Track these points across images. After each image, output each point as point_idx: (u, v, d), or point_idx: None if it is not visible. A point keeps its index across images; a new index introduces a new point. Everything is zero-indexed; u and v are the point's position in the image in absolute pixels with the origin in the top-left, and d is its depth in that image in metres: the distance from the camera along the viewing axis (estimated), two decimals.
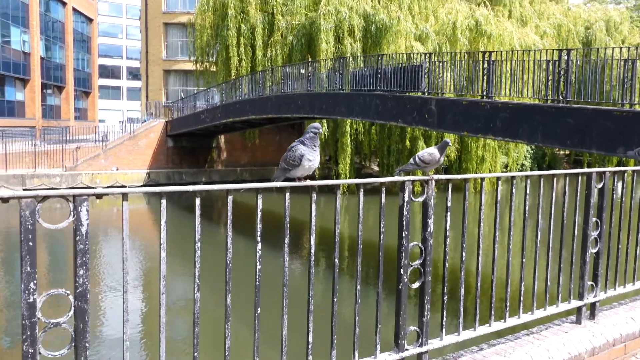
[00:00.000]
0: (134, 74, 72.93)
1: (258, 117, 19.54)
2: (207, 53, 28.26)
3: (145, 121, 30.66)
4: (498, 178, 3.39)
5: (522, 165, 38.23)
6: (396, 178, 2.87)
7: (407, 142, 25.49)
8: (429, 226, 2.99)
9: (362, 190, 2.77)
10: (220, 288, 2.39)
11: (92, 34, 54.21)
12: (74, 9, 48.16)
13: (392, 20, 24.05)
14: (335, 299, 2.74)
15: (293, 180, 2.60)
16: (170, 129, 27.07)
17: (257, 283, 2.45)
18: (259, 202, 2.44)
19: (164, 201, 2.22)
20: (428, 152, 3.09)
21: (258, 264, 2.43)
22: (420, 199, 2.97)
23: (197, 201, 2.34)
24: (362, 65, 15.10)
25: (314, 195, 2.59)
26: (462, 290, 3.15)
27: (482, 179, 3.33)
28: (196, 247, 2.28)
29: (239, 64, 25.80)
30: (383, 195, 2.81)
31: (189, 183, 27.31)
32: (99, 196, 2.07)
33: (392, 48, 23.75)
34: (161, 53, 35.83)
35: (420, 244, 2.99)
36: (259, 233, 2.47)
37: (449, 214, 3.09)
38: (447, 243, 3.13)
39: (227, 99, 23.08)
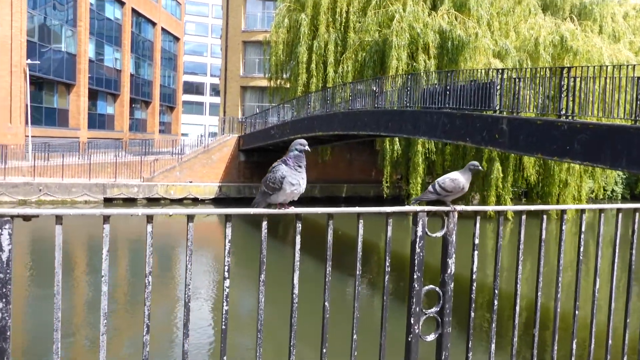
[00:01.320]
0: (216, 91, 75.91)
1: (325, 133, 19.35)
2: (280, 70, 28.65)
3: (219, 136, 31.51)
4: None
5: (613, 191, 35.36)
6: (407, 208, 2.40)
7: (484, 163, 24.29)
8: (449, 267, 2.49)
9: (361, 221, 2.33)
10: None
11: (179, 52, 57.03)
12: (163, 29, 50.93)
13: (470, 37, 23.16)
14: (324, 349, 2.30)
15: (275, 206, 2.23)
16: (243, 144, 27.58)
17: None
18: (228, 231, 2.07)
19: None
20: (450, 177, 2.58)
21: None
22: (439, 234, 2.48)
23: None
24: (431, 81, 14.49)
25: (299, 225, 2.19)
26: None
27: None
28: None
29: (309, 80, 25.89)
30: (389, 228, 2.36)
31: None
32: (27, 218, 1.79)
33: (469, 65, 22.82)
34: (239, 70, 36.87)
35: (437, 288, 2.49)
36: (226, 266, 2.10)
37: (476, 252, 2.58)
38: (474, 287, 2.60)
39: (297, 115, 23.14)
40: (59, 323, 1.83)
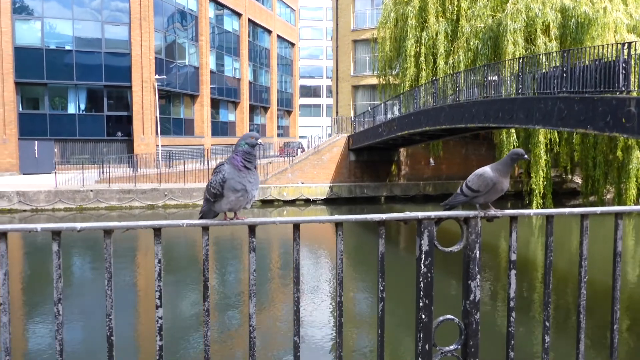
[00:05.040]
0: (332, 92, 77.07)
1: (433, 128, 18.41)
2: (388, 66, 28.02)
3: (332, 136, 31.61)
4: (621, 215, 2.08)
5: None
6: (406, 215, 1.86)
7: (619, 152, 21.57)
8: (472, 291, 1.91)
9: (341, 232, 1.83)
10: None
11: (294, 57, 58.58)
12: (278, 36, 52.63)
13: (597, 12, 20.69)
14: None
15: (218, 216, 1.82)
16: (352, 143, 27.39)
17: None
18: (158, 249, 1.71)
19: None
20: (478, 173, 1.98)
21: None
22: (456, 248, 1.90)
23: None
24: (545, 64, 13.03)
25: (254, 240, 1.76)
26: None
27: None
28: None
29: (418, 74, 24.94)
30: (381, 241, 1.84)
31: (370, 197, 27.22)
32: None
33: (597, 44, 20.39)
34: (350, 70, 36.80)
35: (458, 320, 1.91)
36: (157, 272, 1.74)
37: (513, 272, 1.96)
38: (512, 320, 1.98)
39: (405, 110, 22.38)
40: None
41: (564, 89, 11.55)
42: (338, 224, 1.81)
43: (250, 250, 1.74)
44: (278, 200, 25.84)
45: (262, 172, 26.86)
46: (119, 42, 32.01)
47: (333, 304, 10.34)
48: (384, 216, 1.80)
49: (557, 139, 21.89)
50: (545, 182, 21.77)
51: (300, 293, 1.82)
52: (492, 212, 1.90)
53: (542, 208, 21.84)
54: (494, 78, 15.74)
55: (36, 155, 30.42)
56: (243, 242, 17.07)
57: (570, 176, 28.51)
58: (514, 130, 21.38)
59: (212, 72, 40.20)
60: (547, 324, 1.95)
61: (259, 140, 1.85)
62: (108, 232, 1.65)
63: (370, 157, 27.58)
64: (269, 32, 50.72)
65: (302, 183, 26.71)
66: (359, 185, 27.38)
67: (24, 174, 29.82)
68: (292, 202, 26.02)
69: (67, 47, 31.08)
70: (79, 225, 1.64)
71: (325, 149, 27.61)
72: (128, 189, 23.85)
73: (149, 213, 22.66)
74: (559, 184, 27.52)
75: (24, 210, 22.07)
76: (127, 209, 23.29)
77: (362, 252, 15.30)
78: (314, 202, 26.35)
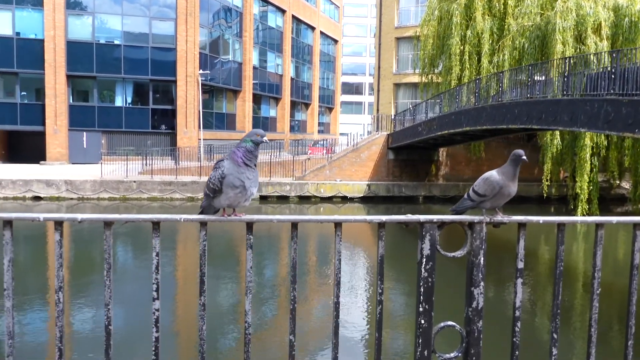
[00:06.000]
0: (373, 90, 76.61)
1: (473, 128, 18.04)
2: (431, 64, 27.62)
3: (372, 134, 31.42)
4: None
5: None
6: (407, 217, 1.82)
7: None
8: (475, 298, 1.86)
9: (339, 233, 1.80)
10: None
11: (337, 54, 58.52)
12: (322, 33, 52.69)
13: None
14: None
15: (219, 212, 1.82)
16: (391, 142, 27.16)
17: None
18: (156, 242, 1.73)
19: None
20: (484, 177, 1.92)
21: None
22: (460, 254, 1.85)
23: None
24: (593, 65, 12.54)
25: (251, 238, 1.76)
26: None
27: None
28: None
29: (462, 73, 24.49)
30: (381, 244, 1.81)
31: (409, 196, 26.94)
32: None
33: None
34: (392, 67, 36.50)
35: (459, 327, 1.86)
36: (155, 266, 1.76)
37: (520, 280, 1.90)
38: (517, 330, 1.92)
39: (446, 110, 22.02)
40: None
41: (611, 91, 11.09)
42: (337, 224, 1.78)
43: (247, 247, 1.75)
44: (315, 196, 25.91)
45: (300, 168, 27.00)
46: (165, 37, 32.77)
47: (369, 304, 10.31)
48: (384, 218, 1.77)
49: (605, 143, 21.07)
50: (591, 187, 21.00)
51: (296, 292, 1.81)
52: (499, 217, 1.84)
53: (587, 214, 21.08)
54: (540, 78, 15.27)
55: (84, 146, 31.55)
56: (282, 239, 17.24)
57: (618, 181, 27.39)
58: (558, 133, 20.72)
59: (254, 67, 40.64)
60: (555, 335, 1.87)
61: (265, 138, 1.84)
62: (108, 224, 1.69)
63: (409, 156, 27.27)
64: (313, 28, 50.83)
65: (340, 180, 26.68)
66: (397, 184, 27.13)
67: (72, 163, 30.99)
68: (329, 199, 26.04)
69: (116, 42, 32.05)
70: (79, 216, 1.68)
71: (364, 146, 27.48)
72: (169, 180, 24.43)
73: (189, 205, 23.14)
74: (606, 189, 26.49)
75: (71, 199, 22.93)
76: (167, 200, 23.87)
77: (401, 254, 15.17)
78: (351, 199, 26.29)
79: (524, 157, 1.90)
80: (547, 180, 22.65)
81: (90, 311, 9.45)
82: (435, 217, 1.79)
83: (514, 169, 1.90)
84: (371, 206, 25.23)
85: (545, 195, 23.63)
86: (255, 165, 1.83)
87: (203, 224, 1.74)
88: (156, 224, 1.73)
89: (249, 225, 1.75)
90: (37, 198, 22.70)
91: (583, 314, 9.39)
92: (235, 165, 1.78)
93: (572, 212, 21.83)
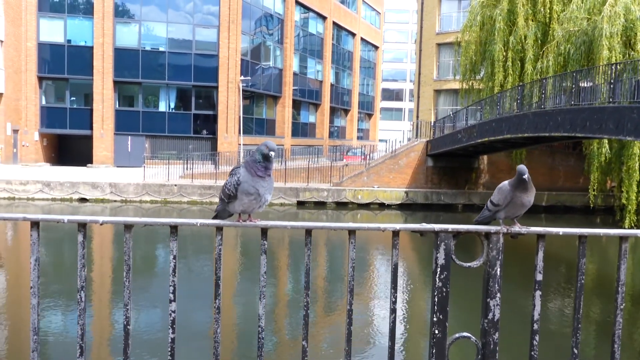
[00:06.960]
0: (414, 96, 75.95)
1: (514, 136, 17.63)
2: (472, 70, 27.18)
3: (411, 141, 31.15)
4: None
5: None
6: (422, 226, 1.81)
7: None
8: (491, 310, 1.83)
9: (353, 241, 1.81)
10: None
11: (377, 60, 58.37)
12: (362, 39, 52.69)
13: None
14: None
15: (233, 215, 1.85)
16: (430, 149, 26.84)
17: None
18: (173, 245, 1.77)
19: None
20: (498, 187, 1.90)
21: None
22: (476, 264, 1.83)
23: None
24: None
25: (265, 243, 1.78)
26: None
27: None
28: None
29: (504, 79, 23.98)
30: (395, 252, 1.81)
31: (447, 204, 26.54)
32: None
33: None
34: (433, 74, 36.11)
35: (475, 338, 1.84)
36: (172, 268, 1.80)
37: (538, 292, 1.86)
38: (536, 343, 1.88)
39: (487, 117, 21.62)
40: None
41: None
42: (351, 232, 1.79)
43: (261, 252, 1.77)
44: (353, 203, 25.85)
45: (338, 174, 27.02)
46: (208, 44, 33.51)
47: (383, 312, 10.20)
48: (397, 226, 1.76)
49: None
50: (639, 198, 20.18)
51: (309, 298, 1.82)
52: (517, 228, 1.80)
53: (634, 226, 20.27)
54: (586, 85, 14.82)
55: (129, 150, 32.55)
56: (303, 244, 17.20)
57: None
58: (606, 141, 20.01)
59: (295, 73, 40.99)
60: (576, 351, 1.81)
61: (272, 153, 1.86)
62: (128, 227, 1.75)
63: (449, 164, 26.89)
64: (353, 35, 50.90)
65: (378, 187, 26.54)
66: (436, 191, 26.77)
67: (117, 166, 32.01)
68: (366, 206, 25.94)
69: (161, 49, 32.99)
70: (101, 218, 1.74)
71: (403, 153, 27.26)
72: (209, 185, 24.89)
73: None
74: None
75: (115, 201, 23.67)
76: (207, 204, 24.32)
77: (418, 263, 14.93)
78: (389, 206, 26.10)
79: (525, 177, 1.88)
80: (593, 190, 21.89)
81: (110, 311, 9.72)
82: (450, 227, 1.77)
83: (519, 181, 1.88)
84: (409, 214, 24.97)
85: (591, 205, 22.82)
86: (270, 175, 1.86)
87: (219, 228, 1.78)
88: (174, 228, 1.78)
89: (264, 231, 1.78)
90: (83, 200, 23.54)
91: (606, 329, 9.00)
92: (250, 174, 1.81)
93: (619, 223, 21.02)
